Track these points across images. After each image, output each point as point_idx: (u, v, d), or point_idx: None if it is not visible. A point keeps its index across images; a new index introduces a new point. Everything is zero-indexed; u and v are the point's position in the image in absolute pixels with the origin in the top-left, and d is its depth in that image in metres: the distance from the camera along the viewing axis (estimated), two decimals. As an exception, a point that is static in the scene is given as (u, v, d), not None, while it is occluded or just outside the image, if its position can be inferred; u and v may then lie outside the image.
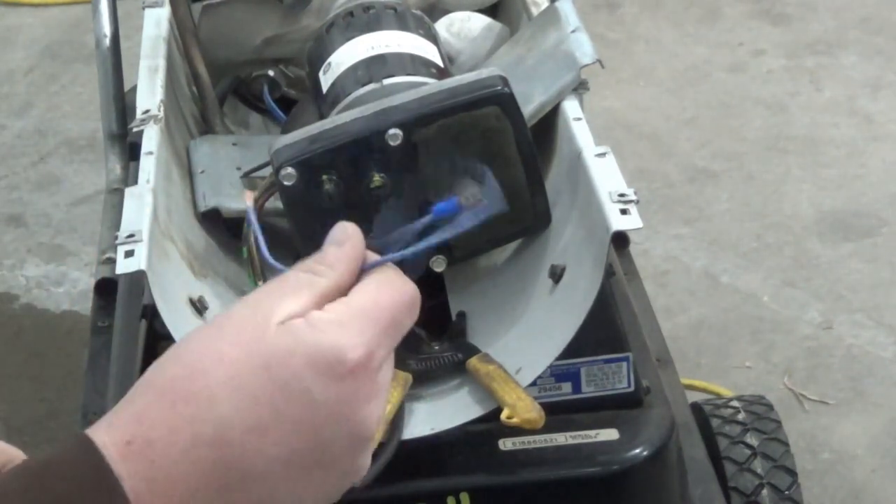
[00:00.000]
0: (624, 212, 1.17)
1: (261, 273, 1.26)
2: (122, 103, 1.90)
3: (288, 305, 0.70)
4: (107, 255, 1.73)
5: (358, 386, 0.69)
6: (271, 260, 0.85)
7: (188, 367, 0.68)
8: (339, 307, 0.71)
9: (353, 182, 1.23)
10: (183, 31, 1.63)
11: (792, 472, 1.68)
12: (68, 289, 2.66)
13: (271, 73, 1.73)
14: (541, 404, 1.16)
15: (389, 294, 0.74)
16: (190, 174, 1.45)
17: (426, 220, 0.85)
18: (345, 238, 0.75)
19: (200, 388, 0.67)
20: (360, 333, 0.70)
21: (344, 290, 0.73)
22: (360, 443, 0.70)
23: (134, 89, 1.48)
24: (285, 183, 1.23)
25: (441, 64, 1.43)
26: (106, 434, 0.66)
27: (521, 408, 1.14)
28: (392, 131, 1.22)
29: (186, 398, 0.66)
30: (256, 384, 0.67)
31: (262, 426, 0.67)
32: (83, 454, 0.65)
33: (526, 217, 1.30)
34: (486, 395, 1.19)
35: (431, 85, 1.30)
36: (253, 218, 1.14)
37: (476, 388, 1.21)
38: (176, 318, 1.15)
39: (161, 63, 1.48)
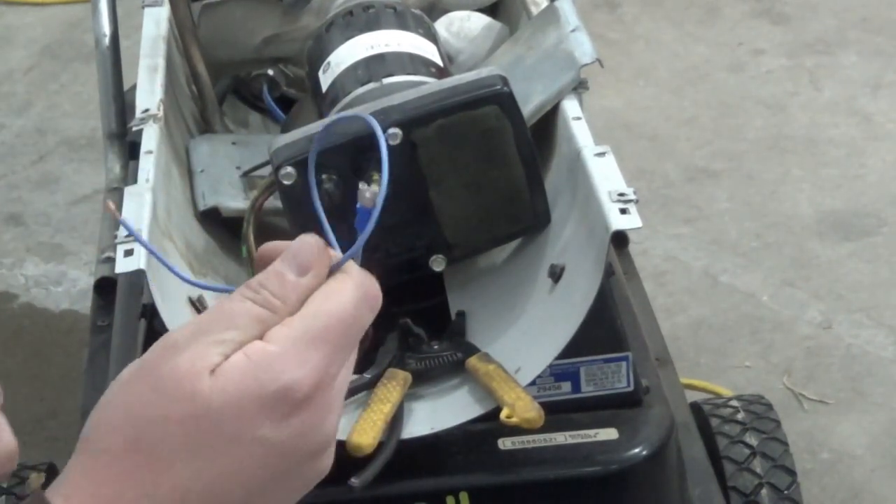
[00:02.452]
0: (623, 211, 1.17)
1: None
2: (121, 102, 1.90)
3: (229, 345, 0.67)
4: (106, 255, 1.73)
5: (311, 413, 0.67)
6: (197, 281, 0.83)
7: (138, 434, 0.66)
8: (281, 333, 0.68)
9: (352, 181, 1.23)
10: (182, 31, 1.63)
11: (791, 472, 1.68)
12: (68, 288, 2.66)
13: (271, 72, 1.73)
14: (540, 404, 1.16)
15: (339, 306, 0.70)
16: (189, 173, 1.45)
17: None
18: (309, 264, 0.71)
19: (155, 457, 0.66)
20: (305, 362, 0.67)
21: (292, 314, 0.69)
22: (320, 455, 0.69)
23: (133, 88, 1.48)
24: (284, 182, 1.23)
25: (440, 63, 1.43)
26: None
27: (521, 407, 1.14)
28: (392, 131, 1.22)
29: (143, 467, 0.66)
30: (209, 442, 0.66)
31: (222, 478, 0.66)
32: None
33: (525, 216, 1.30)
34: (485, 395, 1.19)
35: (431, 84, 1.30)
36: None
37: (475, 388, 1.21)
38: (175, 317, 1.15)
39: (161, 62, 1.48)
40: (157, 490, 0.65)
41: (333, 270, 0.72)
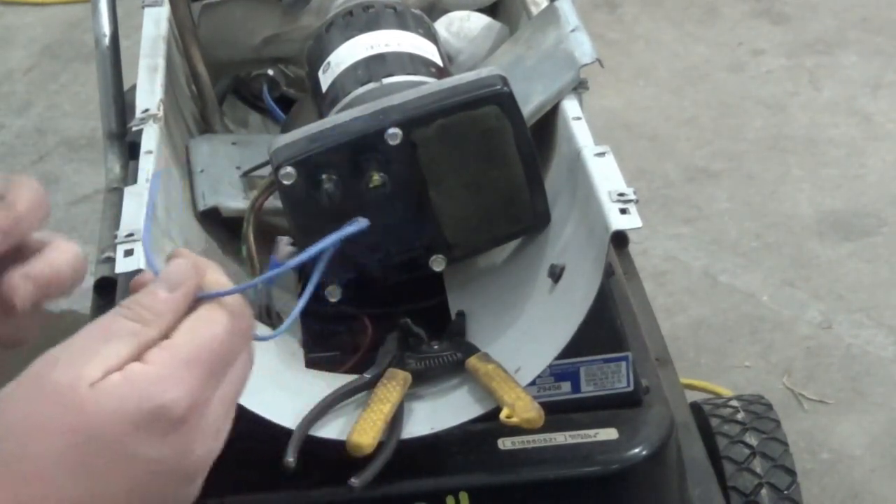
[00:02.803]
0: (623, 211, 1.17)
1: (259, 272, 1.26)
2: (121, 102, 1.90)
3: (107, 359, 0.69)
4: (106, 255, 1.73)
5: (185, 436, 0.69)
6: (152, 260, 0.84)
7: (20, 444, 0.67)
8: (159, 356, 0.70)
9: (352, 181, 1.23)
10: (182, 31, 1.63)
11: (791, 472, 1.68)
12: (68, 288, 2.66)
13: (271, 72, 1.73)
14: (540, 404, 1.16)
15: (212, 331, 0.72)
16: (189, 173, 1.45)
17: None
18: (180, 281, 0.74)
19: (37, 468, 0.67)
20: (181, 383, 0.69)
21: (169, 334, 0.72)
22: (193, 479, 0.71)
23: (133, 88, 1.47)
24: (284, 182, 1.23)
25: (440, 63, 1.43)
26: None
27: (520, 407, 1.14)
28: (391, 131, 1.22)
29: (26, 479, 0.67)
30: (86, 457, 0.67)
31: (98, 494, 0.68)
32: None
33: (525, 216, 1.30)
34: (485, 395, 1.19)
35: (431, 84, 1.30)
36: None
37: (475, 388, 1.21)
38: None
39: (160, 62, 1.48)
40: (39, 502, 0.67)
41: (203, 297, 0.74)
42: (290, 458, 1.12)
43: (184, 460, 0.70)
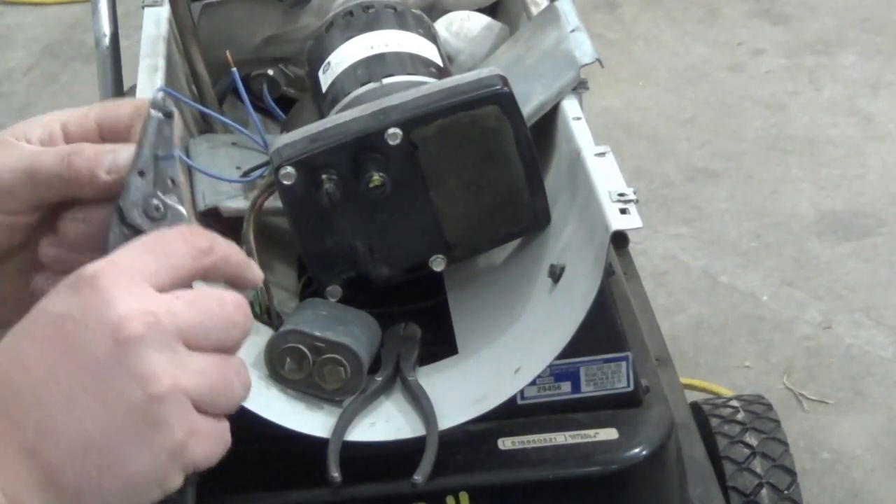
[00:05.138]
0: (623, 211, 1.17)
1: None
2: (121, 102, 1.89)
3: None
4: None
5: (100, 290, 0.72)
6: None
7: None
8: None
9: (352, 181, 1.23)
10: (182, 31, 1.63)
11: (791, 472, 1.68)
12: (67, 288, 2.66)
13: (271, 72, 1.73)
14: (540, 404, 1.15)
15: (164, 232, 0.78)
16: (189, 173, 1.45)
17: None
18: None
19: None
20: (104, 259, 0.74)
21: None
22: (111, 334, 0.72)
23: (133, 88, 1.47)
24: (285, 182, 1.23)
25: (440, 63, 1.43)
26: None
27: None
28: (391, 131, 1.22)
29: None
30: (21, 325, 0.73)
31: (19, 349, 0.72)
32: None
33: (525, 216, 1.30)
34: (485, 395, 1.19)
35: (431, 84, 1.30)
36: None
37: (476, 388, 1.21)
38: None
39: (160, 62, 1.48)
40: None
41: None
42: (335, 474, 1.11)
43: (101, 312, 0.71)
